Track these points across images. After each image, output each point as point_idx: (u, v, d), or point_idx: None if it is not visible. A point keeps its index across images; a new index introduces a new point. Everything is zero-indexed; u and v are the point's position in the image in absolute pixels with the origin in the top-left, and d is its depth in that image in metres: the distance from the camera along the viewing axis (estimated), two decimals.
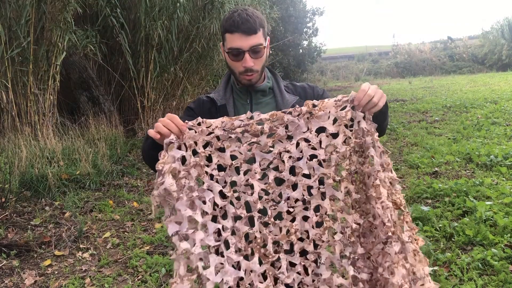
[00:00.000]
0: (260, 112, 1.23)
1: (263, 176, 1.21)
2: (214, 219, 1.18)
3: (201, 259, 1.11)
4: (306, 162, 1.19)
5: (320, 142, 1.19)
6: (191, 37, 7.76)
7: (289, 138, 1.20)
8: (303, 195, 1.20)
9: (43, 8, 5.51)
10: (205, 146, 1.19)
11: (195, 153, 1.17)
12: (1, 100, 5.42)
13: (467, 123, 7.72)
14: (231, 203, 1.20)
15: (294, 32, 15.66)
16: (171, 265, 2.92)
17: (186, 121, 1.19)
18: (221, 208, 1.18)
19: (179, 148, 1.15)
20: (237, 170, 1.21)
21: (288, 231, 1.19)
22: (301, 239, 1.20)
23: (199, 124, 1.18)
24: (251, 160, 1.21)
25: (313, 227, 1.19)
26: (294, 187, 1.21)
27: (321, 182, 1.20)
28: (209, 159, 1.20)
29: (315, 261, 1.19)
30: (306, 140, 1.20)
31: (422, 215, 3.49)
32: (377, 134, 1.18)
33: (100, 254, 3.23)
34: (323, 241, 1.18)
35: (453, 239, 3.15)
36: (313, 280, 1.19)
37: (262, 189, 1.20)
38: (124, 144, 6.26)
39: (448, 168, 4.99)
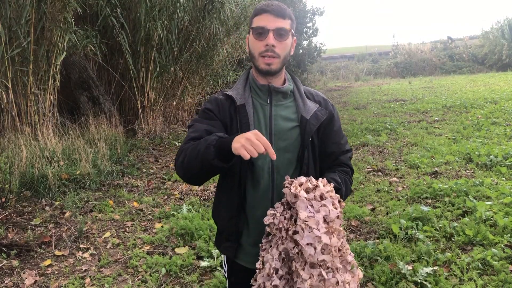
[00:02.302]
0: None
1: None
2: None
3: None
4: None
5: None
6: (191, 37, 7.77)
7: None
8: None
9: (43, 8, 5.51)
10: None
11: None
12: (1, 100, 5.43)
13: (467, 123, 7.73)
14: None
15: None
16: (171, 265, 2.92)
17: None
18: None
19: None
20: None
21: None
22: None
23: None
24: None
25: None
26: None
27: None
28: None
29: None
30: None
31: (422, 215, 3.49)
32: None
33: (100, 254, 3.22)
34: None
35: (453, 239, 3.15)
36: None
37: None
38: (124, 144, 6.26)
39: (448, 168, 4.99)
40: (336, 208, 1.17)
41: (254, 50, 1.36)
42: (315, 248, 1.11)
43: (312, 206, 1.15)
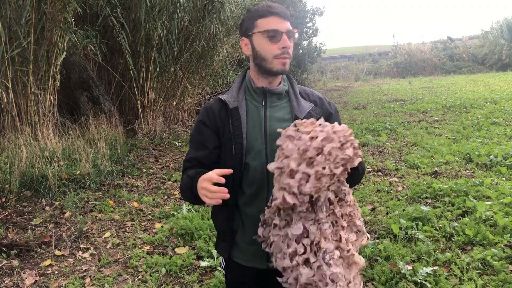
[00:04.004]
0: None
1: None
2: None
3: None
4: None
5: None
6: (191, 37, 7.77)
7: None
8: None
9: (43, 8, 5.51)
10: None
11: None
12: (1, 100, 5.43)
13: (467, 123, 7.73)
14: None
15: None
16: (171, 265, 2.93)
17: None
18: None
19: None
20: None
21: None
22: None
23: None
24: None
25: None
26: None
27: None
28: None
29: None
30: None
31: (422, 215, 3.49)
32: None
33: (100, 254, 3.23)
34: None
35: (453, 239, 3.15)
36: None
37: None
38: (124, 144, 6.26)
39: (448, 168, 4.99)
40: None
41: (267, 52, 1.36)
42: (282, 170, 1.14)
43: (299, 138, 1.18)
